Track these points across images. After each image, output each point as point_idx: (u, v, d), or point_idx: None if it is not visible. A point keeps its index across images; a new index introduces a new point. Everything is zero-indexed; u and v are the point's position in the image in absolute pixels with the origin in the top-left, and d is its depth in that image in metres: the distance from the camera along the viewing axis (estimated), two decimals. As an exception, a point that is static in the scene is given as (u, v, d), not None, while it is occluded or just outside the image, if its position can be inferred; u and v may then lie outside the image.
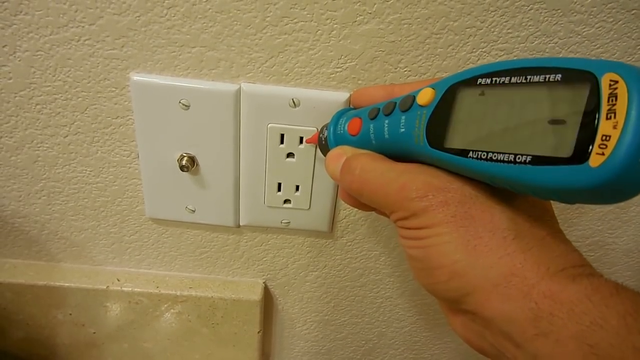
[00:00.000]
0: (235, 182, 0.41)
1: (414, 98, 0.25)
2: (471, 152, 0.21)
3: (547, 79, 0.18)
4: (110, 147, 0.40)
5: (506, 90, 0.20)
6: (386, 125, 0.26)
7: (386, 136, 0.26)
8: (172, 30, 0.34)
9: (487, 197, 0.22)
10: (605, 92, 0.16)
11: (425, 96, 0.24)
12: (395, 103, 0.26)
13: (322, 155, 0.35)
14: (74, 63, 0.35)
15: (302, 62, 0.35)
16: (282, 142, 0.38)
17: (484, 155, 0.20)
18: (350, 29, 0.33)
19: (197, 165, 0.39)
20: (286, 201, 0.41)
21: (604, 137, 0.16)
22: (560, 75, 0.18)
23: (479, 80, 0.21)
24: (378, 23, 0.33)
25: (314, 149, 0.38)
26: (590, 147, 0.16)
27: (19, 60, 0.35)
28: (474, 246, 0.21)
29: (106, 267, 0.47)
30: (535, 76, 0.19)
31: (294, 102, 0.36)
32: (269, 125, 0.37)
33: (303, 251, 0.46)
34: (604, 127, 0.16)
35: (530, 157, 0.18)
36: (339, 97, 0.36)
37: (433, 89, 0.24)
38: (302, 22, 0.33)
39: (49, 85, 0.36)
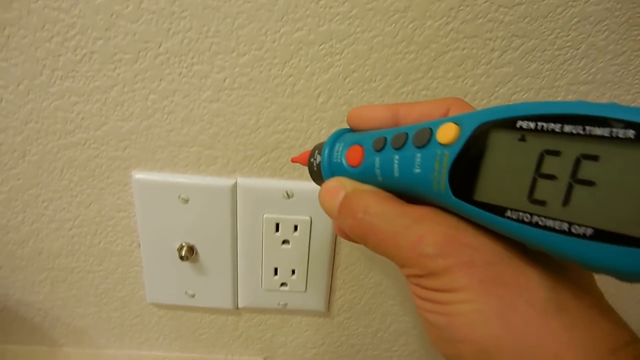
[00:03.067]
0: (234, 268, 0.42)
1: (431, 132, 0.20)
2: (509, 212, 0.17)
3: (614, 135, 0.15)
4: (112, 238, 0.41)
5: (556, 140, 0.16)
6: (396, 161, 0.22)
7: (396, 174, 0.22)
8: (172, 133, 0.36)
9: (520, 258, 0.19)
10: None
11: (449, 133, 0.19)
12: (407, 135, 0.21)
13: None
14: (80, 164, 0.37)
15: (294, 157, 0.37)
16: (277, 230, 0.40)
17: (527, 217, 0.16)
18: (339, 127, 0.36)
19: (196, 253, 0.41)
20: (283, 284, 0.43)
21: None
22: (633, 132, 0.14)
23: (520, 124, 0.17)
24: (364, 122, 0.36)
25: (308, 236, 0.40)
26: None
27: (28, 163, 0.37)
28: (508, 319, 0.17)
29: (108, 350, 0.48)
30: (597, 128, 0.15)
31: (287, 194, 0.38)
32: (265, 215, 0.39)
33: (301, 330, 0.47)
34: None
35: (592, 230, 0.15)
36: (330, 188, 0.38)
37: (457, 124, 0.19)
38: (294, 123, 0.36)
39: (55, 185, 0.38)
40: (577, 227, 0.15)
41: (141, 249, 0.41)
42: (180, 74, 0.34)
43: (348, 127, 0.27)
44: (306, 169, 0.36)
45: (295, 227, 0.39)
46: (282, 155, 0.37)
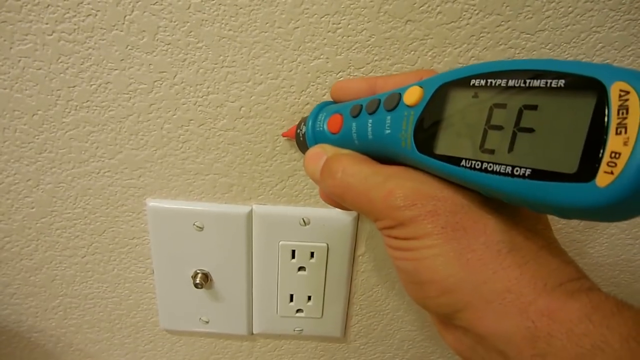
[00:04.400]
0: (248, 294, 0.41)
1: (400, 96, 0.22)
2: (464, 161, 0.19)
3: (548, 85, 0.17)
4: (126, 264, 0.41)
5: (502, 95, 0.18)
6: (370, 124, 0.24)
7: (370, 137, 0.24)
8: (187, 161, 0.36)
9: (479, 207, 0.21)
10: (614, 103, 0.15)
11: (413, 95, 0.21)
12: (380, 101, 0.24)
13: (302, 152, 0.32)
14: (94, 192, 0.37)
15: (311, 184, 0.37)
16: (293, 257, 0.39)
17: (477, 165, 0.18)
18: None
19: (210, 280, 0.40)
20: (299, 310, 0.42)
21: (612, 155, 0.14)
22: (563, 81, 0.16)
23: (472, 81, 0.19)
24: (382, 148, 0.35)
25: (325, 263, 0.39)
26: (597, 165, 0.15)
27: (42, 192, 0.37)
28: (467, 260, 0.19)
29: (120, 376, 0.47)
30: (535, 80, 0.17)
31: (304, 221, 0.37)
32: (281, 242, 0.38)
33: (316, 355, 0.46)
34: (613, 143, 0.14)
35: (530, 170, 0.17)
36: (347, 215, 0.37)
37: (421, 87, 0.21)
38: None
39: (69, 212, 0.38)
40: (518, 169, 0.17)
41: (155, 276, 0.41)
42: (196, 103, 0.33)
43: (331, 100, 0.31)
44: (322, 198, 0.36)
45: (312, 254, 0.39)
46: (298, 182, 0.36)
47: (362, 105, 0.25)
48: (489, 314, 0.19)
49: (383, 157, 0.24)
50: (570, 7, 0.30)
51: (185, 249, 0.39)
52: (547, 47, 0.31)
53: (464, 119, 0.20)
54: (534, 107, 0.17)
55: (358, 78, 0.30)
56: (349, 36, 0.31)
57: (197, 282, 0.39)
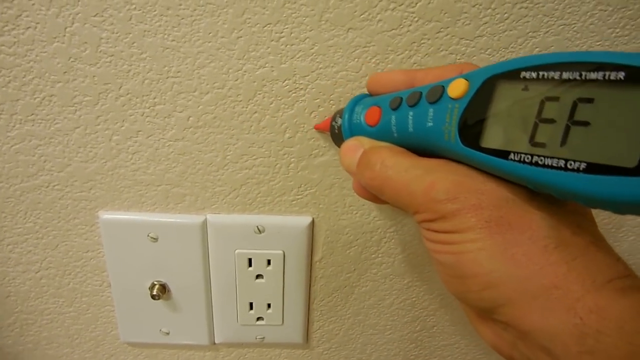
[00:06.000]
0: (208, 304, 0.41)
1: (443, 89, 0.22)
2: (512, 154, 0.18)
3: (606, 77, 0.16)
4: (82, 278, 0.40)
5: (555, 88, 0.18)
6: (411, 117, 0.24)
7: (410, 129, 0.24)
8: (138, 172, 0.35)
9: (524, 201, 0.20)
10: None
11: (458, 88, 0.21)
12: (421, 93, 0.23)
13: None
14: (44, 206, 0.36)
15: (264, 192, 0.37)
16: (250, 265, 0.39)
17: (527, 158, 0.18)
18: (307, 161, 0.35)
19: (168, 291, 0.40)
20: (259, 318, 0.42)
21: None
22: (623, 74, 0.15)
23: (523, 74, 0.19)
24: (333, 154, 0.35)
25: (282, 270, 0.39)
26: None
27: (-10, 207, 0.36)
28: (512, 255, 0.19)
29: (82, 391, 0.47)
30: (592, 73, 0.16)
31: (259, 228, 0.37)
32: (237, 251, 0.38)
33: (281, 362, 0.46)
34: None
35: (586, 164, 0.16)
36: (302, 221, 0.37)
37: (467, 80, 0.21)
38: (261, 158, 0.35)
39: (20, 227, 0.37)
40: (572, 162, 0.16)
41: (112, 289, 0.40)
42: (143, 114, 0.33)
43: (367, 93, 0.31)
44: (274, 204, 0.36)
45: (269, 262, 0.39)
46: (251, 191, 0.37)
47: (402, 98, 0.24)
48: (534, 310, 0.18)
49: (423, 150, 0.24)
50: (506, 13, 0.31)
51: (141, 260, 0.38)
52: (486, 52, 0.32)
53: (512, 112, 0.19)
54: (589, 100, 0.16)
55: (396, 70, 0.30)
56: (292, 44, 0.31)
57: (155, 293, 0.39)
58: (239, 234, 0.38)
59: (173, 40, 0.31)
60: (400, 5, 0.30)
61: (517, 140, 0.19)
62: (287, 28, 0.31)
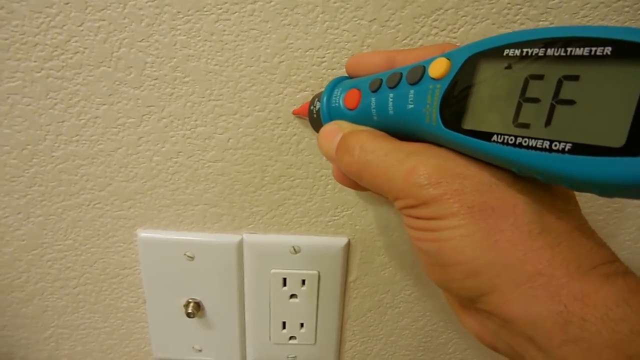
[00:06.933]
0: (241, 322, 0.41)
1: (424, 69, 0.21)
2: (495, 136, 0.18)
3: (592, 53, 0.15)
4: (117, 294, 0.41)
5: (539, 65, 0.17)
6: (391, 99, 0.22)
7: (390, 112, 0.23)
8: (177, 192, 0.36)
9: (508, 185, 0.19)
10: None
11: (439, 68, 0.20)
12: (402, 74, 0.22)
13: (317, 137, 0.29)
14: (84, 224, 0.37)
15: (300, 212, 0.37)
16: (284, 285, 0.39)
17: (511, 140, 0.17)
18: (345, 182, 0.35)
19: (202, 309, 0.40)
20: (292, 337, 0.42)
21: None
22: (610, 49, 0.15)
23: (506, 51, 0.18)
24: (370, 176, 0.35)
25: (316, 290, 0.39)
26: None
27: (32, 225, 0.37)
28: (495, 241, 0.18)
29: (113, 405, 0.47)
30: (577, 49, 0.15)
31: (294, 249, 0.37)
32: (272, 271, 0.38)
33: (311, 381, 0.45)
34: None
35: (571, 145, 0.15)
36: (338, 242, 0.37)
37: (448, 59, 0.20)
38: (299, 180, 0.35)
39: (60, 244, 0.38)
40: (557, 143, 0.16)
41: (147, 305, 0.41)
42: (184, 135, 0.33)
43: (346, 75, 0.29)
44: (311, 225, 0.36)
45: (303, 282, 0.39)
46: (288, 211, 0.37)
47: (382, 79, 0.23)
48: (518, 298, 0.18)
49: (404, 134, 0.23)
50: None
51: (177, 278, 0.39)
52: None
53: (495, 92, 0.18)
54: (575, 78, 0.16)
55: (376, 52, 0.28)
56: (333, 69, 0.31)
57: (189, 311, 0.39)
58: (275, 253, 0.38)
59: (216, 65, 0.31)
60: (442, 31, 0.30)
61: (500, 121, 0.18)
62: (328, 53, 0.31)
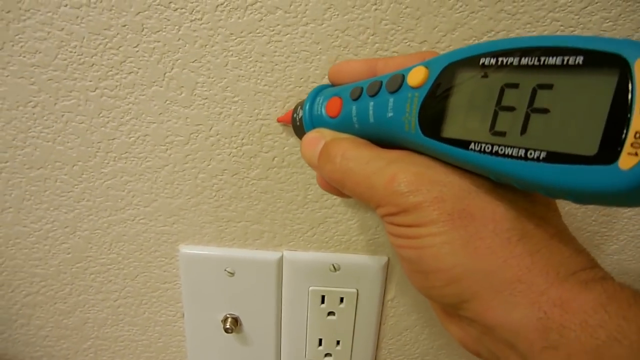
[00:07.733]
0: (277, 338, 0.41)
1: (403, 77, 0.21)
2: (473, 144, 0.18)
3: (565, 62, 0.15)
4: (157, 308, 0.41)
5: (514, 74, 0.17)
6: (371, 107, 0.23)
7: (371, 120, 0.23)
8: (220, 209, 0.36)
9: (487, 193, 0.19)
10: (639, 80, 0.14)
11: (418, 76, 0.20)
12: (382, 82, 0.22)
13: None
14: (128, 239, 0.38)
15: (341, 231, 0.37)
16: (322, 302, 0.39)
17: (487, 148, 0.17)
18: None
19: (240, 324, 0.40)
20: (327, 355, 0.42)
21: (637, 135, 0.13)
22: (582, 58, 0.15)
23: (482, 60, 0.18)
24: (413, 196, 0.35)
25: (354, 308, 0.39)
26: (620, 146, 0.14)
27: (79, 238, 0.38)
28: (475, 248, 0.18)
29: (147, 417, 0.47)
30: (550, 58, 0.16)
31: (334, 267, 0.37)
32: (311, 288, 0.38)
33: (344, 399, 0.45)
34: (638, 122, 0.13)
35: (545, 153, 0.16)
36: (378, 261, 0.37)
37: (426, 67, 0.20)
38: (341, 198, 0.35)
39: (104, 258, 0.39)
40: (532, 152, 0.16)
41: (185, 319, 0.41)
42: (230, 153, 0.34)
43: (328, 83, 0.30)
44: (351, 243, 0.36)
45: (341, 299, 0.39)
46: (329, 229, 0.37)
47: (362, 88, 0.24)
48: (498, 305, 0.18)
49: (385, 141, 0.23)
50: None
51: (216, 293, 0.39)
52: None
53: (472, 101, 0.18)
54: (549, 87, 0.16)
55: (357, 60, 0.29)
56: (381, 90, 0.31)
57: (227, 326, 0.39)
58: (314, 271, 0.38)
59: (265, 85, 0.32)
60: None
61: (477, 129, 0.18)
62: (377, 74, 0.31)
